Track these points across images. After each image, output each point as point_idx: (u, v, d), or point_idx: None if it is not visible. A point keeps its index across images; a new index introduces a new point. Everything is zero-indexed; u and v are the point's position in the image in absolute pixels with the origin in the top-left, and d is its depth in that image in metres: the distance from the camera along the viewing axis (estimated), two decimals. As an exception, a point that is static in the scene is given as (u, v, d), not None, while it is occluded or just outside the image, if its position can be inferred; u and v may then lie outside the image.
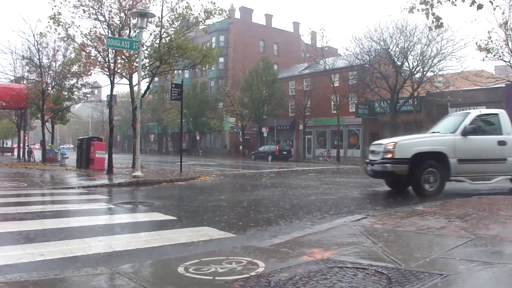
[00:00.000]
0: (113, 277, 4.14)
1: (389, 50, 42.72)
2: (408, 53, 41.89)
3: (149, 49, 23.76)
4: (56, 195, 12.04)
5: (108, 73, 21.50)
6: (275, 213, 9.08)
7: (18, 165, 26.16)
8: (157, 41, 23.64)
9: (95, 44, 21.92)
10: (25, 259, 4.99)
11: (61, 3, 21.07)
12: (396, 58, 42.71)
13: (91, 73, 26.52)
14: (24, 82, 33.74)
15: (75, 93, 34.09)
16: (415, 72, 42.33)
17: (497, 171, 12.84)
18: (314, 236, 6.02)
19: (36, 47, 29.86)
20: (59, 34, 22.54)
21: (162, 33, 23.53)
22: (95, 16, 21.50)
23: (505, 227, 6.45)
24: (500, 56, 31.95)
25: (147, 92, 26.25)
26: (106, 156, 21.44)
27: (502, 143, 12.70)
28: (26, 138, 35.57)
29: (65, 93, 33.33)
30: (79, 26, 24.55)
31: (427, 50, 40.91)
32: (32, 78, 33.22)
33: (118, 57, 21.55)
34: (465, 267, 4.32)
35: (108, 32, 21.52)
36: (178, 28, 24.08)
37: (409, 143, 12.62)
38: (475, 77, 34.58)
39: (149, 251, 5.57)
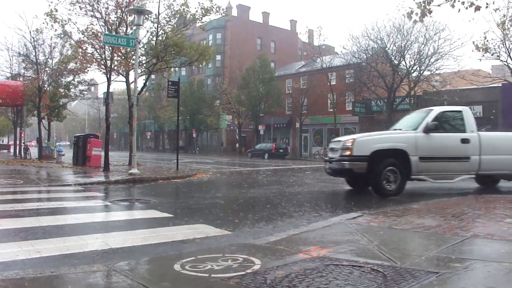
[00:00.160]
0: (109, 274, 4.14)
1: (386, 48, 42.76)
2: (405, 52, 41.95)
3: (145, 47, 23.73)
4: (53, 192, 12.03)
5: (104, 70, 21.47)
6: (271, 210, 9.08)
7: (14, 162, 26.10)
8: (154, 39, 23.63)
9: (92, 41, 21.89)
10: (21, 256, 4.99)
11: (58, 0, 21.07)
12: (393, 57, 42.76)
13: (88, 70, 26.53)
14: (21, 79, 33.65)
15: (72, 90, 34.07)
16: (412, 71, 42.39)
17: (460, 170, 12.53)
18: (310, 234, 6.03)
19: (33, 44, 29.85)
20: (55, 30, 22.50)
21: (158, 30, 23.52)
22: (92, 13, 21.47)
23: (501, 226, 6.47)
24: (497, 56, 32.00)
25: (144, 90, 26.24)
26: (103, 153, 21.40)
27: (465, 141, 12.37)
28: (22, 135, 35.47)
29: (62, 90, 33.31)
30: (75, 23, 24.57)
31: (424, 49, 41.01)
32: (28, 75, 33.14)
33: (115, 54, 21.52)
34: (461, 265, 4.34)
35: (104, 29, 21.49)
36: (175, 25, 24.07)
37: (368, 140, 12.16)
38: (472, 76, 34.64)
39: (145, 248, 5.57)
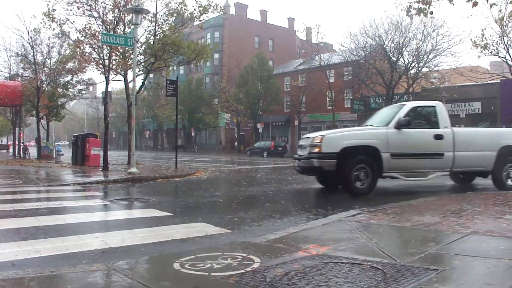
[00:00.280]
0: (109, 273, 4.15)
1: (384, 46, 42.75)
2: (404, 48, 41.95)
3: (143, 46, 23.71)
4: (52, 192, 12.03)
5: (103, 70, 21.45)
6: (271, 208, 9.08)
7: (13, 162, 26.09)
8: (152, 37, 23.60)
9: (90, 40, 21.87)
10: (20, 256, 4.98)
11: (56, 0, 21.06)
12: (391, 54, 42.76)
13: (86, 70, 26.52)
14: (19, 79, 33.64)
15: (70, 90, 34.07)
16: (411, 68, 42.41)
17: (433, 167, 12.14)
18: (310, 232, 6.04)
19: (31, 44, 29.83)
20: (53, 29, 22.51)
21: (156, 29, 23.50)
22: (90, 13, 21.45)
23: (500, 223, 6.48)
24: (496, 52, 32.01)
25: (142, 89, 26.21)
26: (102, 152, 21.39)
27: (439, 137, 11.99)
28: (21, 135, 35.44)
29: (60, 90, 33.28)
30: (73, 22, 24.59)
31: (423, 46, 41.02)
32: (26, 75, 33.13)
33: (113, 54, 21.50)
34: (460, 262, 4.35)
35: (102, 28, 21.46)
36: (172, 24, 24.04)
37: (337, 137, 11.76)
38: (470, 73, 34.68)
39: (144, 247, 5.57)
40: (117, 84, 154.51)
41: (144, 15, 20.95)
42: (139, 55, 22.67)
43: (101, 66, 21.63)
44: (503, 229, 5.94)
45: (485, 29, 31.01)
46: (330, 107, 50.16)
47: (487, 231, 5.79)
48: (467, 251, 4.82)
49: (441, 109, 12.52)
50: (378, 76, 43.18)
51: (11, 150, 44.04)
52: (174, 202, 10.43)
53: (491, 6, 12.01)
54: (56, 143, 48.56)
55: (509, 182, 12.69)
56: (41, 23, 22.39)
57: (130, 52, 20.69)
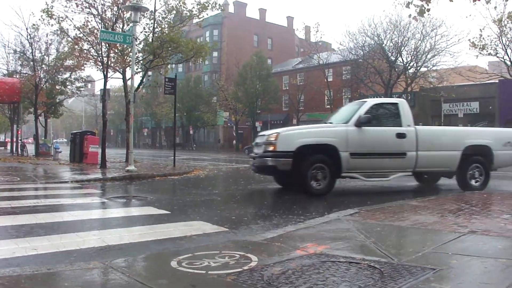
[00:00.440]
0: (106, 271, 4.14)
1: (383, 45, 42.83)
2: (402, 48, 42.06)
3: (142, 43, 23.67)
4: (50, 189, 12.02)
5: (101, 67, 21.42)
6: (269, 207, 9.09)
7: (11, 159, 26.05)
8: (150, 35, 23.57)
9: (88, 38, 21.83)
10: (18, 253, 4.98)
11: (54, -4, 21.03)
12: (390, 53, 42.85)
13: (84, 67, 26.49)
14: (17, 76, 33.60)
15: (68, 87, 34.03)
16: (409, 67, 42.51)
17: (395, 167, 11.66)
18: (307, 231, 6.04)
19: (29, 41, 29.79)
20: (51, 25, 22.44)
21: (155, 26, 23.47)
22: (88, 10, 21.41)
23: (498, 222, 6.48)
24: (495, 52, 32.08)
25: (141, 86, 26.17)
26: (100, 150, 21.37)
27: (401, 135, 11.50)
28: (19, 132, 35.43)
29: (58, 87, 33.26)
30: (72, 19, 24.50)
31: (421, 45, 41.16)
32: (25, 72, 33.12)
33: (111, 51, 21.46)
34: (458, 261, 4.35)
35: (101, 26, 21.43)
36: (171, 22, 24.01)
37: (293, 134, 11.19)
38: (468, 73, 34.76)
39: (142, 245, 5.57)
40: (115, 81, 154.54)
41: (143, 13, 20.93)
42: (137, 53, 22.65)
43: (99, 63, 21.59)
44: (501, 229, 5.94)
45: (483, 29, 31.05)
46: (328, 106, 50.17)
47: (485, 231, 5.79)
48: (465, 250, 4.82)
49: (404, 107, 12.06)
50: (376, 76, 43.27)
51: (9, 147, 44.00)
52: (172, 200, 10.42)
53: (487, 1, 11.93)
54: (54, 141, 48.62)
55: (473, 182, 12.30)
56: (39, 19, 22.34)
57: (129, 49, 20.65)
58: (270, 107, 59.43)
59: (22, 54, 31.47)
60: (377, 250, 4.81)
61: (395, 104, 12.14)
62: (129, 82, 21.28)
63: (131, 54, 18.81)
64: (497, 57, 33.26)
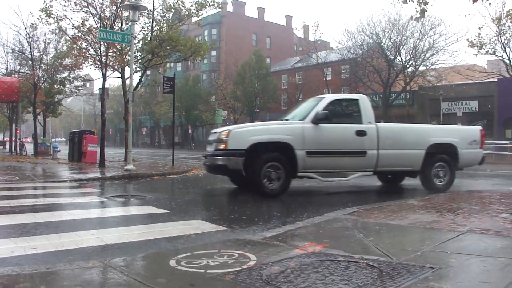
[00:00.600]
0: (105, 270, 4.14)
1: (382, 44, 42.84)
2: (401, 47, 42.10)
3: (141, 42, 23.64)
4: (48, 188, 12.00)
5: (100, 66, 21.40)
6: (267, 206, 9.09)
7: (10, 158, 26.03)
8: (149, 34, 23.55)
9: (87, 37, 21.81)
10: (16, 252, 4.98)
11: (52, -5, 21.01)
12: (388, 52, 42.87)
13: (83, 66, 26.47)
14: (16, 75, 33.59)
15: (67, 86, 33.98)
16: (408, 66, 42.53)
17: (355, 166, 11.10)
18: (306, 230, 6.04)
19: (28, 40, 29.78)
20: (50, 24, 22.40)
21: (153, 25, 23.44)
22: (87, 9, 21.39)
23: (497, 221, 6.48)
24: (493, 51, 32.11)
25: (139, 85, 26.15)
26: (98, 149, 21.34)
27: (361, 133, 10.94)
28: (18, 131, 35.39)
29: (57, 86, 33.23)
30: (71, 18, 24.51)
31: (420, 44, 41.16)
32: (23, 71, 33.09)
33: (110, 50, 21.44)
34: (456, 260, 4.35)
35: (99, 25, 21.41)
36: (170, 20, 23.98)
37: (245, 132, 10.62)
38: (467, 71, 34.79)
39: (141, 244, 5.57)
40: (114, 80, 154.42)
41: (141, 12, 20.91)
42: (136, 52, 22.63)
43: (98, 62, 21.58)
44: (500, 228, 5.95)
45: (482, 27, 31.08)
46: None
47: (484, 230, 5.79)
48: (464, 249, 4.82)
49: (365, 103, 11.50)
50: (375, 74, 43.30)
51: (7, 146, 43.97)
52: (171, 199, 10.42)
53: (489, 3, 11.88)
54: (53, 140, 48.51)
55: (437, 182, 11.84)
56: (38, 19, 22.31)
57: (128, 48, 20.63)
58: (268, 106, 59.37)
59: (20, 53, 31.44)
60: (376, 249, 4.82)
61: (355, 100, 11.58)
62: (127, 81, 21.27)
63: (129, 53, 18.77)
64: (496, 55, 33.30)
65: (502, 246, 5.02)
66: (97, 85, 72.83)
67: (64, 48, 29.42)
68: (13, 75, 33.66)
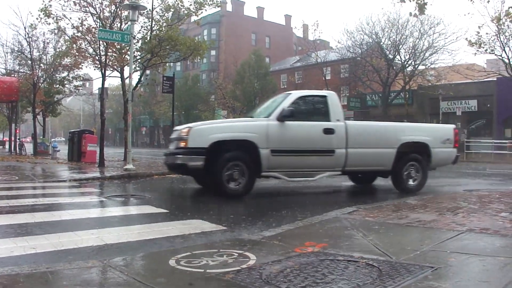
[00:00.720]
0: (104, 270, 4.14)
1: (381, 43, 42.86)
2: (400, 46, 42.10)
3: (140, 42, 23.64)
4: (48, 188, 11.99)
5: (99, 66, 21.40)
6: (267, 205, 9.09)
7: (9, 158, 26.01)
8: (148, 34, 23.54)
9: (86, 36, 21.81)
10: (16, 252, 4.97)
11: (52, -5, 21.01)
12: (388, 51, 42.87)
13: (82, 66, 26.47)
14: (15, 75, 33.61)
15: (66, 86, 34.04)
16: (407, 65, 42.54)
17: (322, 165, 10.68)
18: (305, 229, 6.04)
19: (27, 40, 29.80)
20: (49, 24, 22.41)
21: (153, 25, 23.44)
22: (86, 9, 21.38)
23: (496, 220, 6.48)
24: (492, 50, 32.10)
25: (139, 85, 26.15)
26: (98, 149, 21.34)
27: (329, 131, 10.54)
28: (17, 131, 35.39)
29: (56, 86, 33.26)
30: (70, 18, 24.48)
31: (419, 43, 41.17)
32: (23, 71, 33.11)
33: (109, 50, 21.44)
34: (456, 259, 4.35)
35: (99, 24, 21.40)
36: (169, 19, 23.98)
37: (207, 129, 10.17)
38: (466, 71, 34.75)
39: (140, 244, 5.56)
40: (113, 80, 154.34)
41: (141, 12, 20.90)
42: (135, 52, 22.62)
43: (97, 62, 21.58)
44: (499, 227, 5.95)
45: (481, 26, 30.99)
46: (326, 104, 50.07)
47: (483, 229, 5.79)
48: (463, 248, 4.82)
49: (333, 100, 11.15)
50: (374, 74, 43.32)
51: (7, 146, 43.96)
52: (170, 198, 10.42)
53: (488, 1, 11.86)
54: (52, 139, 48.59)
55: (410, 182, 11.55)
56: (37, 19, 22.32)
57: (127, 48, 20.62)
58: (268, 105, 59.33)
59: (20, 53, 31.48)
60: (375, 248, 4.82)
61: (324, 97, 11.21)
62: (127, 81, 21.24)
63: (129, 52, 18.77)
64: (495, 55, 33.27)
65: (501, 245, 5.02)
66: (97, 84, 72.88)
67: (64, 47, 29.43)
68: (12, 75, 33.69)
